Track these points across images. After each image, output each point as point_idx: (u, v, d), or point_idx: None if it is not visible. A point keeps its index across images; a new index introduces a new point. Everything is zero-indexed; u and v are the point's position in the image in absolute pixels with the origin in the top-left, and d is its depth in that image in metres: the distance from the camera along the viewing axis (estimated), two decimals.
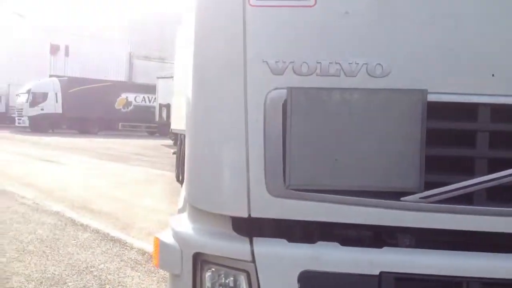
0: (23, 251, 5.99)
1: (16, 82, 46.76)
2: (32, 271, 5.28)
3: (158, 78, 32.58)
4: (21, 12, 51.27)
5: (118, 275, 5.33)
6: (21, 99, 40.33)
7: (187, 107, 2.22)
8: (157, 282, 5.18)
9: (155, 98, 34.89)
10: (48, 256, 5.85)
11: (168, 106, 27.35)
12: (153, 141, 32.25)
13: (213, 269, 2.07)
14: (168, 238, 2.19)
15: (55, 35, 52.82)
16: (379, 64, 1.91)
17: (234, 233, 2.04)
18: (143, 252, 6.17)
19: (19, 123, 40.51)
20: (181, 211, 2.47)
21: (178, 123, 12.96)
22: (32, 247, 6.19)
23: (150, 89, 39.10)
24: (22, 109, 40.11)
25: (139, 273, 5.41)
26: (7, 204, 8.88)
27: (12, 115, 43.89)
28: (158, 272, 5.44)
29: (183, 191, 2.58)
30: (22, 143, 26.09)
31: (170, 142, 23.63)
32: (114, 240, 6.68)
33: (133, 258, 5.95)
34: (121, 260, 5.83)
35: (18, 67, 55.75)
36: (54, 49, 53.30)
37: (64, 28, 52.86)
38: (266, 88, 1.93)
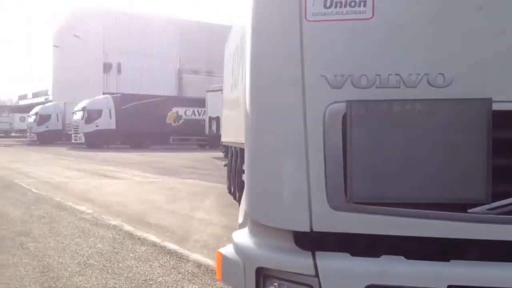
0: (84, 265, 6.16)
1: (72, 101, 48.52)
2: (93, 285, 5.42)
3: (207, 91, 33.07)
4: (79, 34, 53.28)
5: (176, 287, 5.41)
6: (77, 117, 41.73)
7: (245, 123, 2.25)
8: None
9: (204, 111, 35.40)
10: (108, 269, 6.00)
11: (217, 119, 27.69)
12: (203, 154, 32.67)
13: (276, 284, 2.08)
14: (230, 252, 2.21)
15: (108, 54, 54.55)
16: (441, 74, 1.88)
17: (296, 247, 2.05)
18: (199, 265, 6.24)
19: (75, 139, 41.88)
20: (242, 225, 2.50)
21: (228, 135, 13.10)
22: (92, 261, 6.36)
23: (199, 102, 39.72)
24: (78, 126, 41.49)
25: (196, 286, 5.47)
26: (68, 219, 9.18)
27: (68, 132, 45.44)
28: (215, 285, 5.49)
29: (242, 205, 2.61)
30: (78, 159, 26.98)
31: (220, 154, 23.82)
32: (171, 253, 6.78)
33: (189, 270, 6.02)
34: (178, 273, 5.91)
35: (73, 86, 57.96)
36: (107, 67, 55.10)
37: (116, 47, 54.57)
38: (325, 102, 1.93)
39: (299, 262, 2.00)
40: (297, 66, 1.97)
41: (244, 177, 9.57)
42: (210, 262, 6.34)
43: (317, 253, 2.00)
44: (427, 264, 1.95)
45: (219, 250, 2.27)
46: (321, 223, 1.96)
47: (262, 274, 2.09)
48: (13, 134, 70.44)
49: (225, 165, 15.44)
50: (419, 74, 1.89)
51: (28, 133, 51.81)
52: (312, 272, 1.97)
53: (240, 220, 2.61)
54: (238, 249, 2.20)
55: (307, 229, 1.97)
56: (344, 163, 1.91)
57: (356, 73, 1.91)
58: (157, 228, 8.55)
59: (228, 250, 2.25)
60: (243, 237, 2.27)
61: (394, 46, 1.93)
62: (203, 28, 58.39)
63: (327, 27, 1.96)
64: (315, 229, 1.96)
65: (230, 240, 6.99)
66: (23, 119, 66.39)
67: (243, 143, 8.73)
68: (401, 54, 1.92)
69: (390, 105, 1.89)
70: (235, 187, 11.90)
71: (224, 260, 2.23)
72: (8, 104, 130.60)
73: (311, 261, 1.98)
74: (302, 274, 2.00)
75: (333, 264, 1.97)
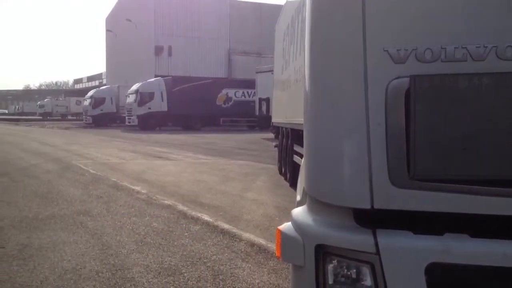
0: (141, 243, 6.33)
1: (125, 84, 49.63)
2: (150, 262, 5.57)
3: (257, 72, 33.02)
4: (131, 18, 54.31)
5: (229, 266, 5.49)
6: (130, 100, 42.64)
7: (304, 100, 2.24)
8: (268, 274, 5.27)
9: (254, 93, 35.44)
10: (164, 247, 6.15)
11: (267, 100, 27.68)
12: (253, 135, 32.82)
13: (336, 261, 2.07)
14: (290, 230, 2.22)
15: (159, 37, 55.33)
16: (510, 46, 1.80)
17: (356, 225, 2.03)
18: (251, 244, 6.30)
19: (129, 122, 42.89)
20: (300, 203, 2.49)
21: (279, 116, 13.09)
22: (149, 239, 6.53)
23: (249, 84, 39.81)
24: (131, 108, 42.41)
25: (249, 265, 5.53)
26: (124, 199, 9.45)
27: (122, 114, 46.56)
28: (268, 264, 5.54)
29: (300, 183, 2.60)
30: (132, 141, 27.67)
31: (270, 135, 23.83)
32: (224, 232, 6.88)
33: (242, 249, 6.10)
34: (231, 252, 5.99)
35: (126, 70, 59.25)
36: (158, 50, 55.94)
37: (167, 30, 55.26)
38: (388, 77, 1.89)
39: (359, 239, 1.99)
40: (359, 41, 1.93)
41: (295, 158, 9.51)
42: (263, 241, 6.39)
43: (378, 231, 1.98)
44: (492, 242, 1.90)
45: (278, 227, 2.28)
46: (382, 201, 1.93)
47: (321, 251, 2.09)
48: (69, 117, 72.89)
49: (275, 146, 15.48)
50: (486, 47, 1.81)
51: (83, 116, 53.49)
52: (373, 250, 1.95)
53: (298, 197, 2.61)
54: (297, 226, 2.20)
55: (368, 207, 1.95)
56: (407, 139, 1.87)
57: (420, 46, 1.86)
58: (209, 208, 8.68)
59: (287, 228, 2.26)
60: (302, 214, 2.27)
61: (460, 18, 1.86)
62: (253, 8, 58.34)
63: (390, 1, 1.91)
64: (376, 206, 1.94)
65: (282, 220, 7.02)
66: (79, 103, 68.62)
67: (294, 123, 8.66)
68: (468, 25, 1.85)
69: (456, 80, 1.83)
70: (286, 168, 11.92)
71: (284, 238, 2.23)
72: (64, 88, 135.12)
73: (371, 239, 1.96)
74: (362, 252, 1.98)
75: (395, 241, 1.95)
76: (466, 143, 1.83)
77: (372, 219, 2.00)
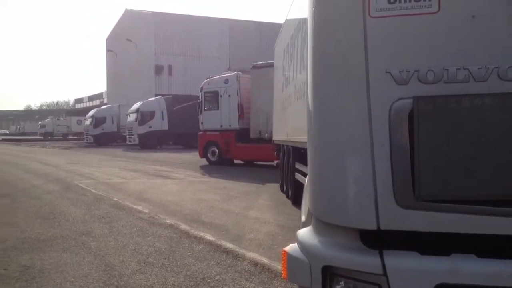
0: (144, 263, 6.31)
1: (126, 103, 49.76)
2: (154, 283, 5.54)
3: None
4: (131, 38, 54.72)
5: (233, 286, 5.46)
6: (131, 119, 42.70)
7: (308, 119, 2.25)
8: None
9: None
10: (167, 267, 6.12)
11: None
12: None
13: (343, 282, 2.07)
14: (296, 251, 2.22)
15: (159, 57, 55.65)
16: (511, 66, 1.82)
17: (363, 246, 2.03)
18: (255, 263, 6.27)
19: (129, 141, 42.91)
20: (305, 224, 2.50)
21: (280, 134, 13.11)
22: (152, 259, 6.51)
23: None
24: (132, 127, 42.45)
25: (253, 284, 5.50)
26: (126, 218, 9.42)
27: (123, 133, 46.61)
28: (272, 283, 5.51)
29: (305, 203, 2.60)
30: (133, 160, 27.67)
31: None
32: (227, 252, 6.85)
33: (246, 269, 6.06)
34: (235, 271, 5.96)
35: (127, 89, 59.44)
36: (159, 69, 56.25)
37: (167, 50, 55.59)
38: (391, 99, 1.91)
39: (366, 260, 1.99)
40: (361, 63, 1.96)
41: (297, 175, 9.49)
42: (266, 260, 6.36)
43: (385, 252, 1.98)
44: (499, 262, 1.90)
45: (284, 248, 2.28)
46: (389, 221, 1.94)
47: (328, 273, 2.09)
48: (70, 137, 72.94)
49: (277, 164, 15.47)
50: (488, 68, 1.84)
51: (85, 136, 53.54)
52: (380, 271, 1.95)
53: (303, 218, 2.62)
54: (303, 247, 2.21)
55: (374, 227, 1.95)
56: (411, 160, 1.88)
57: (422, 68, 1.88)
58: (212, 227, 8.66)
59: (293, 249, 2.26)
60: (308, 235, 2.27)
61: (461, 40, 1.88)
62: (253, 27, 58.76)
63: (392, 22, 1.94)
64: (383, 227, 1.94)
65: (284, 238, 7.00)
66: (79, 122, 68.71)
67: (295, 141, 8.64)
68: (469, 47, 1.88)
69: (459, 100, 1.85)
70: (288, 186, 11.90)
71: (290, 259, 2.24)
72: (65, 107, 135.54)
73: (378, 260, 1.96)
74: (369, 273, 1.98)
75: (402, 262, 1.95)
76: (470, 163, 1.84)
77: (378, 240, 2.00)
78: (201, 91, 24.23)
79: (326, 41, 2.11)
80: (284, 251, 2.27)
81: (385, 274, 1.94)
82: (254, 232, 8.24)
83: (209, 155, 23.96)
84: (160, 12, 58.95)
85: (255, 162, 22.96)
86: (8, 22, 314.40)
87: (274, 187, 14.19)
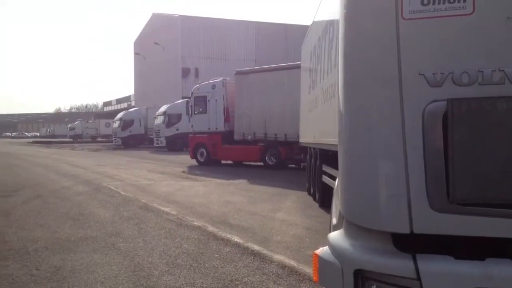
0: (173, 265, 6.36)
1: (153, 106, 50.23)
2: (182, 284, 5.58)
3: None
4: (158, 41, 55.27)
5: None
6: (158, 121, 43.06)
7: (339, 122, 2.25)
8: None
9: None
10: (195, 269, 6.16)
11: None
12: None
13: (375, 286, 2.05)
14: (327, 254, 2.21)
15: (186, 60, 56.06)
16: None
17: (396, 249, 2.02)
18: (283, 266, 6.26)
19: (157, 143, 43.27)
20: (336, 227, 2.49)
21: (306, 136, 13.06)
22: (180, 260, 6.55)
23: None
24: (159, 130, 42.82)
25: (281, 287, 5.50)
26: (154, 220, 9.52)
27: (150, 136, 47.05)
28: (300, 287, 5.49)
29: (335, 206, 2.59)
30: (161, 162, 27.95)
31: None
32: (254, 254, 6.86)
33: (274, 271, 6.06)
34: (263, 274, 5.96)
35: (154, 92, 60.03)
36: (185, 72, 56.68)
37: (193, 52, 55.97)
38: (424, 101, 1.90)
39: (399, 264, 1.97)
40: (394, 65, 1.94)
41: (324, 178, 9.43)
42: (294, 263, 6.35)
43: (418, 256, 1.96)
44: None
45: (315, 252, 2.27)
46: (422, 225, 1.92)
47: (360, 276, 2.08)
48: (99, 139, 73.98)
49: (303, 167, 15.43)
50: None
51: (113, 138, 54.25)
52: (413, 275, 1.93)
53: (334, 221, 2.61)
54: (335, 251, 2.20)
55: (407, 231, 1.94)
56: (445, 163, 1.86)
57: (456, 70, 1.86)
58: (239, 229, 8.68)
59: (324, 252, 2.25)
60: (340, 239, 2.26)
61: (497, 41, 1.86)
62: (279, 29, 58.75)
63: (425, 24, 1.92)
64: (416, 231, 1.92)
65: (312, 241, 6.97)
66: (108, 125, 69.63)
67: (322, 144, 8.58)
68: (505, 48, 1.85)
69: (494, 103, 1.82)
70: (315, 188, 11.86)
71: (321, 262, 2.23)
72: (94, 110, 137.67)
73: (412, 264, 1.94)
74: (402, 277, 1.96)
75: (436, 267, 1.92)
76: (505, 167, 1.81)
77: (411, 243, 1.98)
78: (191, 95, 26.25)
79: (358, 44, 2.10)
80: (315, 254, 2.27)
81: (418, 278, 1.92)
82: (281, 235, 8.24)
83: (198, 156, 25.54)
84: (187, 16, 59.44)
85: (253, 163, 24.07)
86: (37, 28, 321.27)
87: (301, 190, 14.15)
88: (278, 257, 6.71)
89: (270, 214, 10.41)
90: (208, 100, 24.83)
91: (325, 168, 10.02)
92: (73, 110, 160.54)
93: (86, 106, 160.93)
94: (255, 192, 14.23)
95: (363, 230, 2.11)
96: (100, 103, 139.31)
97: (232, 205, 11.58)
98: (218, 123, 24.48)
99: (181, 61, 56.53)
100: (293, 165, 21.82)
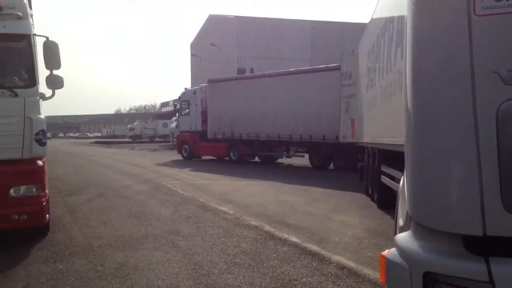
0: (231, 263, 6.42)
1: None
2: (241, 283, 5.63)
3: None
4: (215, 42, 55.99)
5: None
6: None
7: (407, 122, 2.20)
8: None
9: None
10: (253, 268, 6.20)
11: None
12: None
13: None
14: (395, 256, 2.18)
15: (241, 60, 56.46)
16: None
17: (467, 252, 1.96)
18: (341, 267, 6.21)
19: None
20: (403, 229, 2.44)
21: (364, 136, 12.88)
22: (238, 259, 6.61)
23: None
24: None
25: None
26: (212, 219, 9.65)
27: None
28: None
29: (401, 208, 2.55)
30: (217, 161, 28.29)
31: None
32: (312, 254, 6.83)
33: (332, 272, 6.02)
34: (321, 274, 5.93)
35: None
36: (241, 73, 57.10)
37: (249, 53, 56.33)
38: (498, 99, 1.83)
39: (471, 267, 1.91)
40: (465, 63, 1.89)
41: (383, 178, 9.26)
42: (353, 264, 6.28)
43: (491, 259, 1.90)
44: None
45: (382, 253, 2.24)
46: (496, 227, 1.86)
47: (430, 279, 2.03)
48: (157, 139, 75.68)
49: (360, 167, 15.24)
50: None
51: (170, 138, 55.35)
52: (486, 278, 1.87)
53: (401, 222, 2.56)
54: (403, 252, 2.16)
55: (480, 233, 1.88)
56: None
57: None
58: (296, 229, 8.67)
59: (392, 254, 2.22)
60: (408, 240, 2.22)
61: None
62: (336, 28, 58.16)
63: (499, 20, 1.85)
64: (489, 233, 1.86)
65: (371, 242, 6.87)
66: (165, 125, 71.13)
67: (382, 143, 8.42)
68: None
69: None
70: (374, 189, 11.68)
71: (389, 264, 2.19)
72: (152, 111, 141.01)
73: (484, 267, 1.88)
74: (474, 280, 1.90)
75: (510, 270, 1.86)
76: None
77: (484, 246, 1.92)
78: (179, 99, 31.61)
79: (428, 41, 2.05)
80: (382, 256, 2.23)
81: (491, 281, 1.86)
82: (340, 235, 8.17)
83: (182, 151, 30.54)
84: (243, 16, 59.80)
85: (254, 159, 27.51)
86: (98, 33, 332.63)
87: (358, 190, 13.98)
88: (337, 258, 6.67)
89: (327, 214, 10.35)
90: (191, 104, 29.81)
91: (384, 168, 9.86)
92: (132, 111, 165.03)
93: (145, 107, 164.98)
94: (311, 192, 14.21)
95: (432, 232, 2.06)
96: (157, 104, 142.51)
97: (288, 205, 11.58)
98: (197, 123, 29.18)
99: (237, 61, 56.96)
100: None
